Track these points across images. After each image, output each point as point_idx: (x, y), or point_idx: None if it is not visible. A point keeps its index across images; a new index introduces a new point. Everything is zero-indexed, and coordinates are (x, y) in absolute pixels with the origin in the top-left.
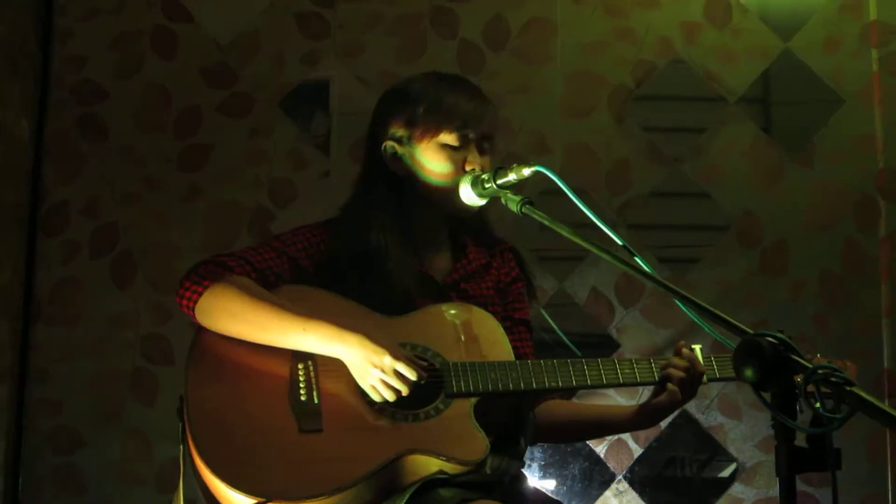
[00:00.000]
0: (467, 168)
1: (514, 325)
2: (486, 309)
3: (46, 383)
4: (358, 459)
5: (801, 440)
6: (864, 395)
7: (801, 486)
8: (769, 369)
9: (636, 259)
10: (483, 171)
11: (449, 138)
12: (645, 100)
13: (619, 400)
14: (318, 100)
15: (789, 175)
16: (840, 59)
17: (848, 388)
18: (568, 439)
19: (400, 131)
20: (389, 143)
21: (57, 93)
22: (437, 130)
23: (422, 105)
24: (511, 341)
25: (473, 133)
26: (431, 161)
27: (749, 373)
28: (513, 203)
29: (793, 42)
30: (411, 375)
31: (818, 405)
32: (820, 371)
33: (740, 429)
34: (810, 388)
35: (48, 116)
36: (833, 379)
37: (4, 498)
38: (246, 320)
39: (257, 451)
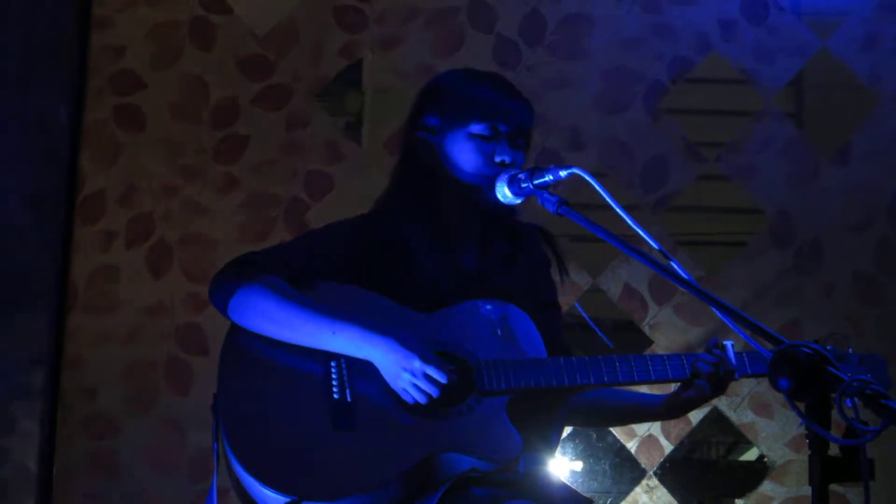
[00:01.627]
0: (496, 160)
1: (544, 307)
2: (519, 299)
3: (81, 370)
4: (391, 458)
5: (834, 448)
6: None
7: (831, 486)
8: (804, 380)
9: (672, 263)
10: (519, 171)
11: (479, 129)
12: (681, 96)
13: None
14: (351, 79)
15: (824, 174)
16: (877, 57)
17: (882, 402)
18: (598, 425)
19: (432, 121)
20: (422, 134)
21: (95, 82)
22: (466, 120)
23: (453, 95)
24: (542, 321)
25: (505, 126)
26: (461, 152)
27: (784, 383)
28: (549, 204)
29: (830, 40)
30: (440, 379)
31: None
32: (855, 383)
33: (772, 427)
34: (844, 399)
35: (86, 106)
36: (868, 391)
37: (39, 484)
38: (277, 321)
39: (291, 450)
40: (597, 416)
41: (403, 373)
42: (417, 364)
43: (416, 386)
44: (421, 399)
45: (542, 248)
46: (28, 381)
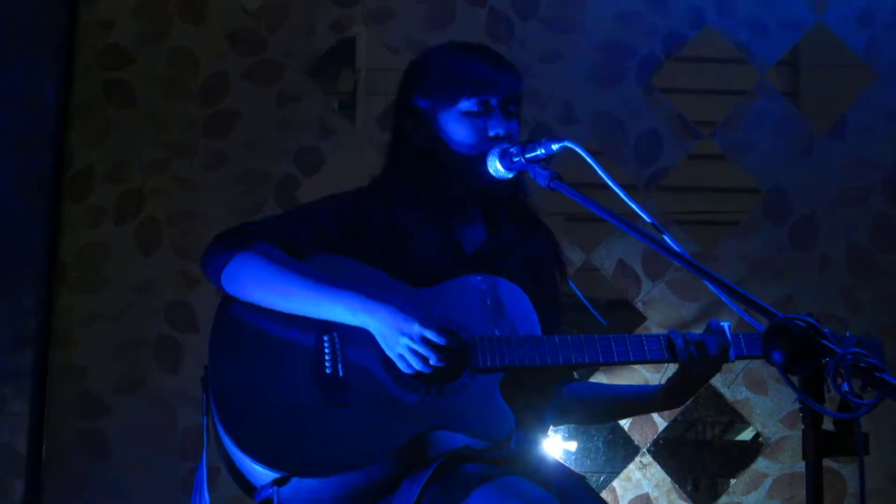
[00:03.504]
0: (490, 134)
1: (545, 306)
2: (515, 283)
3: (71, 349)
4: (383, 435)
5: (828, 423)
6: (892, 381)
7: (826, 462)
8: (798, 353)
9: (665, 237)
10: (511, 144)
11: (468, 105)
12: (675, 70)
13: (645, 374)
14: (344, 57)
15: (819, 148)
16: (874, 31)
17: (877, 374)
18: (596, 421)
19: (421, 102)
20: (412, 115)
21: (83, 58)
22: (455, 98)
23: (440, 74)
24: (541, 319)
25: (495, 99)
26: (454, 129)
27: (777, 357)
28: (541, 178)
29: (826, 14)
30: (440, 341)
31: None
32: (849, 356)
33: (766, 403)
34: (838, 373)
35: (74, 82)
36: (862, 364)
37: (28, 464)
38: (272, 288)
39: (282, 425)
40: (594, 411)
41: (402, 337)
42: (416, 328)
43: (413, 351)
44: (418, 364)
45: (550, 247)
46: (17, 361)
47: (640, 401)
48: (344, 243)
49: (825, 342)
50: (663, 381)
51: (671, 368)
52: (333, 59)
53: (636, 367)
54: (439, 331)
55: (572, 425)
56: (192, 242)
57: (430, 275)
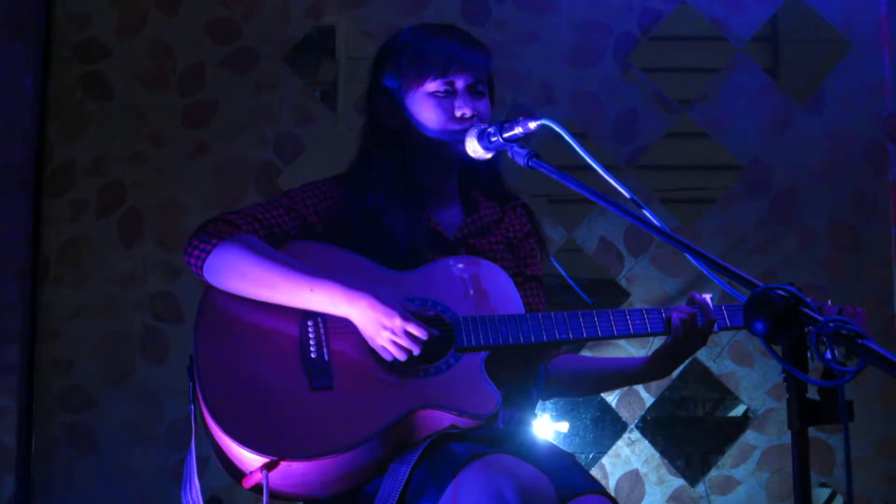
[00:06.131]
0: (457, 114)
1: (526, 281)
2: (496, 263)
3: (56, 344)
4: (370, 416)
5: (813, 392)
6: (875, 347)
7: (813, 432)
8: (779, 323)
9: (644, 212)
10: (488, 125)
11: (434, 86)
12: (652, 47)
13: (630, 350)
14: (324, 47)
15: (798, 122)
16: (848, 2)
17: (859, 341)
18: (582, 393)
19: (390, 84)
20: (382, 98)
21: (60, 52)
22: (421, 80)
23: (406, 56)
24: (523, 297)
25: (460, 79)
26: (421, 111)
27: (759, 326)
28: (520, 156)
29: None
30: (423, 335)
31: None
32: (831, 324)
33: (752, 376)
34: (821, 341)
35: (51, 76)
36: (844, 332)
37: (18, 458)
38: (254, 280)
39: (268, 410)
40: (581, 384)
41: (383, 331)
42: (398, 321)
43: (396, 343)
44: (401, 356)
45: (526, 221)
46: (3, 357)
47: (624, 372)
48: (325, 230)
49: (807, 311)
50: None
51: (657, 344)
52: (311, 48)
53: (621, 342)
54: (420, 323)
55: (560, 401)
56: (175, 233)
57: (410, 259)
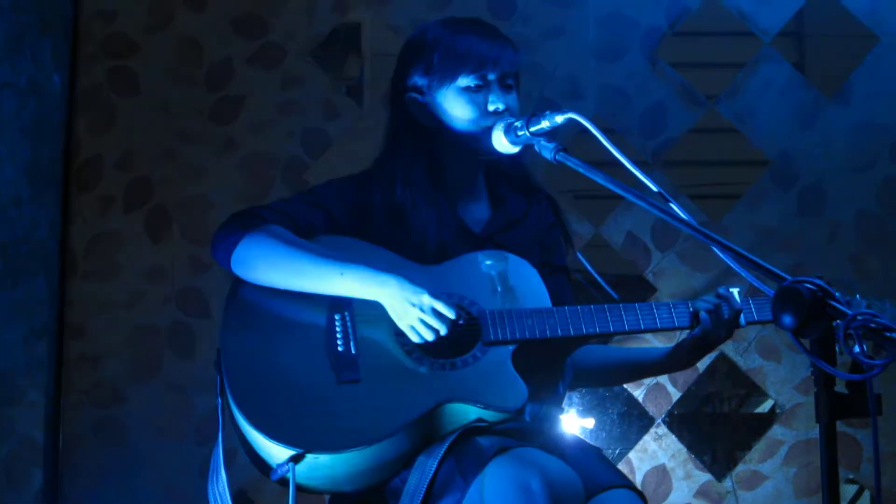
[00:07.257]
0: (490, 109)
1: (554, 272)
2: (523, 257)
3: (84, 339)
4: (396, 409)
5: (841, 385)
6: None
7: (841, 427)
8: (808, 316)
9: (672, 205)
10: (515, 119)
11: (467, 81)
12: (678, 41)
13: (656, 344)
14: (350, 43)
15: (825, 116)
16: None
17: (888, 335)
18: (606, 383)
19: (420, 81)
20: (412, 95)
21: (88, 48)
22: (454, 76)
23: (437, 52)
24: (551, 287)
25: (493, 73)
26: (454, 107)
27: (788, 320)
28: (546, 150)
29: None
30: (449, 314)
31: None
32: (859, 317)
33: (780, 371)
34: (849, 334)
35: (79, 71)
36: (872, 325)
37: (46, 454)
38: (283, 267)
39: (295, 403)
40: (604, 374)
41: (412, 308)
42: (427, 298)
43: (424, 322)
44: (429, 335)
45: (551, 212)
46: (31, 352)
47: (648, 363)
48: (351, 225)
49: (835, 304)
50: None
51: (682, 337)
52: (338, 44)
53: (647, 336)
54: (448, 302)
55: (585, 396)
56: (202, 228)
57: (436, 253)
